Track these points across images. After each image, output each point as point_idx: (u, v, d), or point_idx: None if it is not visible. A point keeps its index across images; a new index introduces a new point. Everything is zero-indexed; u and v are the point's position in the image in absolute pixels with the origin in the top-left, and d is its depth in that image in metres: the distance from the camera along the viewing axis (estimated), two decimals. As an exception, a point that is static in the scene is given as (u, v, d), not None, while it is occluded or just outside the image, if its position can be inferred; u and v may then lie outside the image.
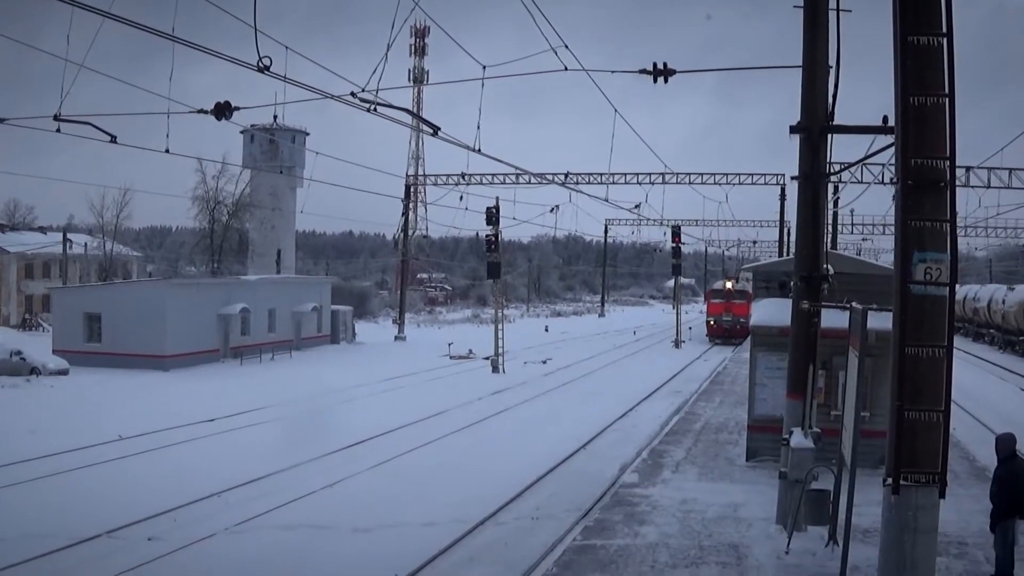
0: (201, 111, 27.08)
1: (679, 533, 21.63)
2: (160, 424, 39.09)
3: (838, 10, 20.43)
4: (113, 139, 29.05)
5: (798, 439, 20.81)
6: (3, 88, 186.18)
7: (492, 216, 65.73)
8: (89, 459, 32.33)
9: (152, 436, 36.78)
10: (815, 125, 21.10)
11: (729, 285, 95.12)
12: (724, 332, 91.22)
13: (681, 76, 25.43)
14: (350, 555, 22.39)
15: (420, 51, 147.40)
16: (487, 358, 67.15)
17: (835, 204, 48.47)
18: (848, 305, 18.48)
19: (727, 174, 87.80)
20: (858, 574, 17.68)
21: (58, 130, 28.95)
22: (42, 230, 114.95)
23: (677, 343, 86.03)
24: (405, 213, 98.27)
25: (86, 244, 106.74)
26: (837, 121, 21.36)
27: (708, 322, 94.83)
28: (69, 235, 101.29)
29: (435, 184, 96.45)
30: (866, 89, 35.66)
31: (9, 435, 36.36)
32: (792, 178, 22.79)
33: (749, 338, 32.57)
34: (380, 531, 24.40)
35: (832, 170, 23.83)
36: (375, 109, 25.13)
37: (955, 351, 12.88)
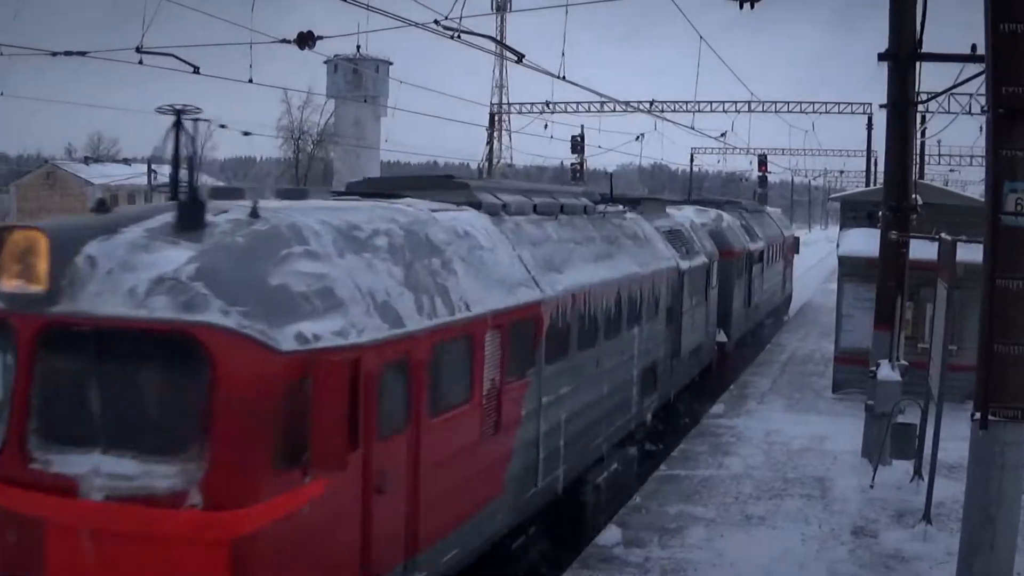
0: (284, 41, 27.18)
1: (764, 464, 21.53)
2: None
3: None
4: (196, 70, 29.21)
5: (885, 371, 20.60)
6: (85, 22, 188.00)
7: (577, 144, 65.55)
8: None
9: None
10: (903, 52, 20.71)
11: None
12: None
13: (794, 4, 25.04)
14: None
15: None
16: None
17: (922, 134, 47.57)
18: (937, 236, 18.20)
19: (813, 102, 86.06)
20: (943, 510, 17.49)
21: (140, 62, 29.20)
22: (126, 162, 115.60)
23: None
24: (490, 142, 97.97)
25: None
26: (925, 49, 20.96)
27: None
28: (153, 166, 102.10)
29: (519, 113, 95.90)
30: (955, 17, 34.88)
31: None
32: (881, 106, 22.43)
33: (837, 267, 29.60)
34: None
35: (920, 99, 23.40)
36: (458, 37, 25.05)
37: (1046, 284, 12.58)
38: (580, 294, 16.58)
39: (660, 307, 22.10)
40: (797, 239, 56.21)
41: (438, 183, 16.48)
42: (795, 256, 54.65)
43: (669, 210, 29.43)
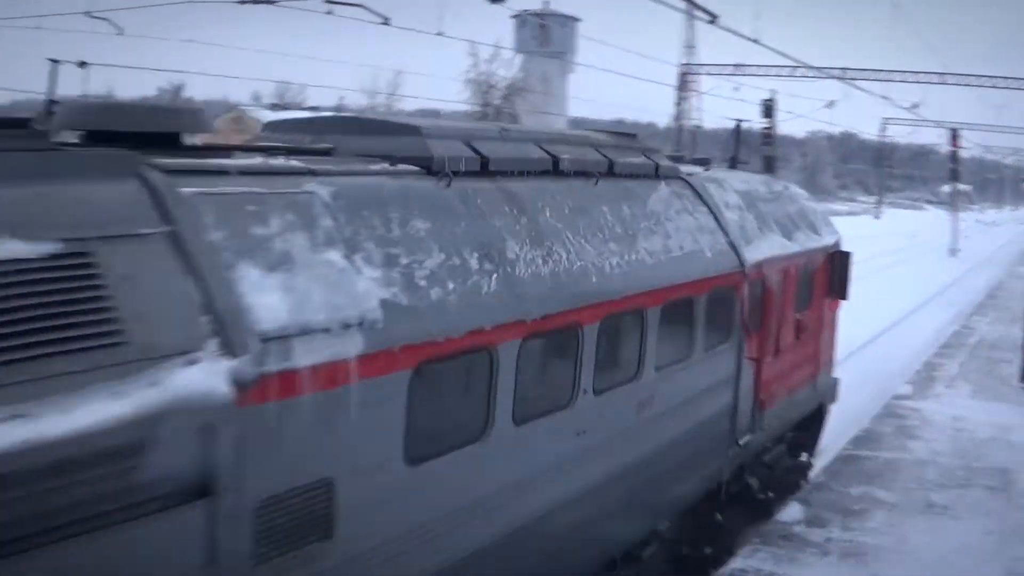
0: (475, -6, 27.36)
1: (948, 451, 21.22)
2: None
3: None
4: (385, 21, 29.37)
5: (1076, 364, 20.14)
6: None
7: (768, 109, 64.52)
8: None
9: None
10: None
11: None
12: None
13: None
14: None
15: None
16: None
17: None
18: None
19: (1007, 78, 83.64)
20: None
21: (329, 12, 29.43)
22: (313, 110, 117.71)
23: (952, 251, 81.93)
24: (679, 102, 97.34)
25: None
26: None
27: None
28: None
29: (709, 74, 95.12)
30: None
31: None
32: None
33: None
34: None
35: None
36: (648, -7, 24.94)
37: None
38: None
39: None
40: (844, 257, 20.06)
41: None
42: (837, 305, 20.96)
43: None
